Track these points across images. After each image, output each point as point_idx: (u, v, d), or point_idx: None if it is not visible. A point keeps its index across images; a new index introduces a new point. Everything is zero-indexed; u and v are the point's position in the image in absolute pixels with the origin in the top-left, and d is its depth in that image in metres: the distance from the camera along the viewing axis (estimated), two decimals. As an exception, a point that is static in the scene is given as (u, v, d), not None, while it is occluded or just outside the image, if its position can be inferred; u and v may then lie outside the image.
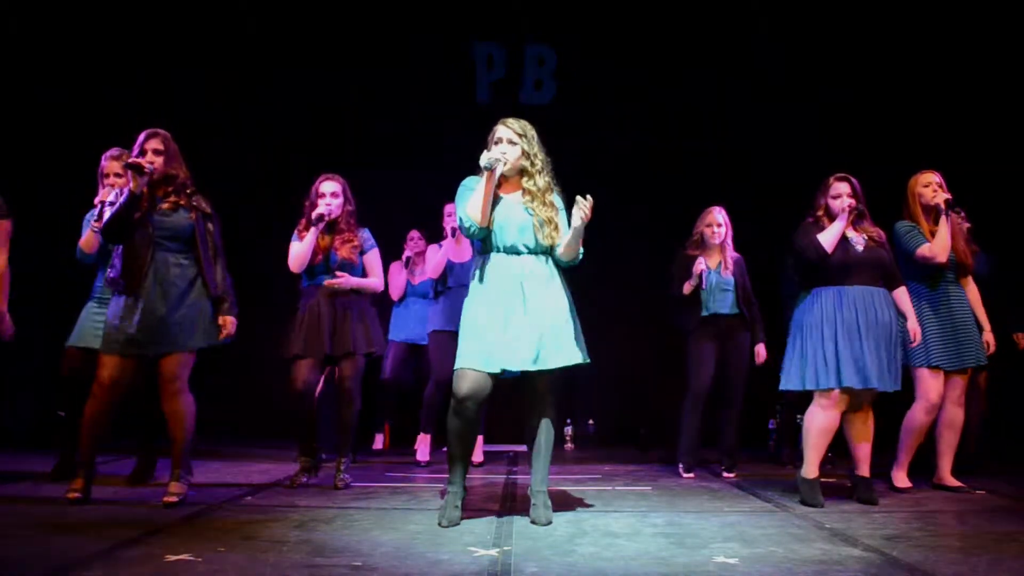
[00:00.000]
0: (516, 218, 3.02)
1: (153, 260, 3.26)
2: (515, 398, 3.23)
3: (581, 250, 3.06)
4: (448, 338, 4.67)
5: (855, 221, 3.59)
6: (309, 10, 6.33)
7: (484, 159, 2.94)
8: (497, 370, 2.90)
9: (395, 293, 5.35)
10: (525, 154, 3.05)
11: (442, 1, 6.36)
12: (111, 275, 3.34)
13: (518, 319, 2.92)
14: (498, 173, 2.98)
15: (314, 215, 3.74)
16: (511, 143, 3.04)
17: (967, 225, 3.99)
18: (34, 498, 3.34)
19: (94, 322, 3.78)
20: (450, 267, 4.74)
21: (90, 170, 3.91)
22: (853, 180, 3.60)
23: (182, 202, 3.34)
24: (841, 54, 6.27)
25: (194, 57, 6.18)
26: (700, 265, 4.29)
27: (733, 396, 4.41)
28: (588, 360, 3.02)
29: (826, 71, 6.29)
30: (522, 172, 3.08)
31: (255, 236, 5.82)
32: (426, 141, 6.28)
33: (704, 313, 4.35)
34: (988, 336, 3.95)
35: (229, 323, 3.42)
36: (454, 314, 4.57)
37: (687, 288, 4.30)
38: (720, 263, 4.42)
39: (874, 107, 6.27)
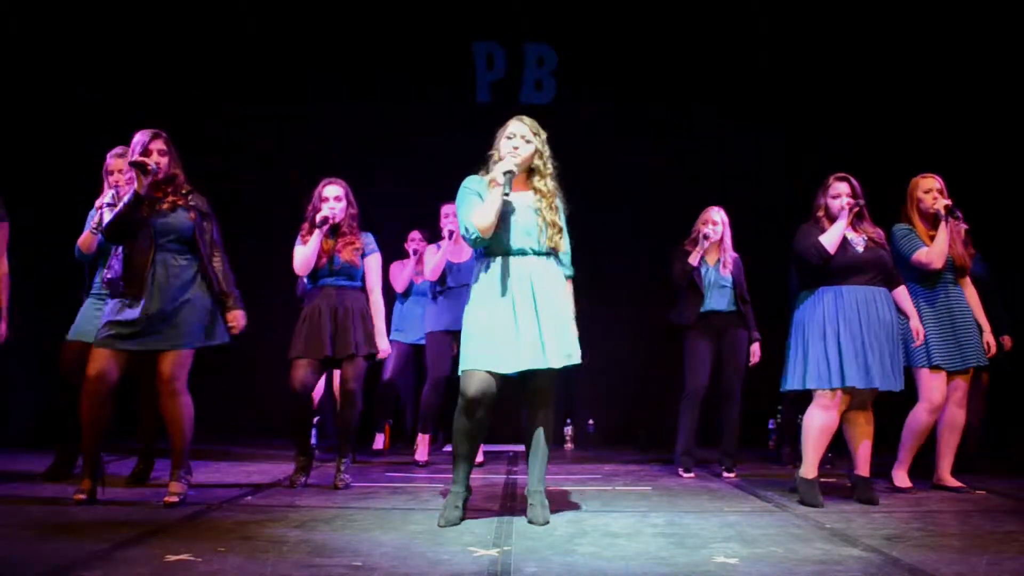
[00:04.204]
0: (523, 220, 2.96)
1: (154, 262, 3.24)
2: (514, 398, 3.23)
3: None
4: (445, 338, 4.67)
5: (855, 221, 3.58)
6: (308, 10, 6.33)
7: (500, 174, 2.85)
8: (508, 371, 2.87)
9: (399, 286, 5.35)
10: (539, 153, 3.01)
11: (442, 1, 6.36)
12: (108, 276, 3.30)
13: (528, 319, 2.89)
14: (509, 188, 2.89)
15: (318, 218, 3.77)
16: (526, 140, 2.98)
17: (964, 227, 3.98)
18: (34, 498, 3.34)
19: (94, 317, 3.74)
20: (449, 267, 4.72)
21: (89, 168, 3.91)
22: (852, 179, 3.59)
23: (180, 202, 3.33)
24: (841, 56, 6.27)
25: (194, 57, 6.18)
26: (700, 249, 4.31)
27: (732, 395, 4.40)
28: (580, 361, 2.99)
29: (826, 71, 6.29)
30: (532, 171, 3.02)
31: (254, 238, 5.82)
32: (426, 141, 6.28)
33: (703, 308, 4.36)
34: (988, 337, 3.94)
35: (238, 317, 3.43)
36: (452, 315, 4.57)
37: (694, 258, 4.29)
38: (719, 261, 4.43)
39: (874, 108, 6.27)
